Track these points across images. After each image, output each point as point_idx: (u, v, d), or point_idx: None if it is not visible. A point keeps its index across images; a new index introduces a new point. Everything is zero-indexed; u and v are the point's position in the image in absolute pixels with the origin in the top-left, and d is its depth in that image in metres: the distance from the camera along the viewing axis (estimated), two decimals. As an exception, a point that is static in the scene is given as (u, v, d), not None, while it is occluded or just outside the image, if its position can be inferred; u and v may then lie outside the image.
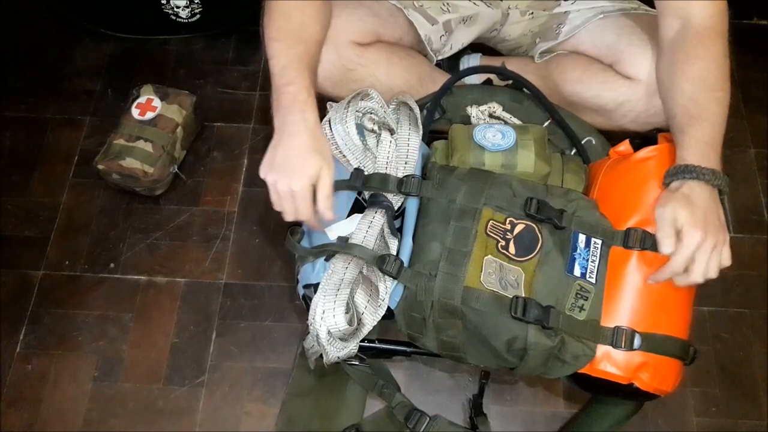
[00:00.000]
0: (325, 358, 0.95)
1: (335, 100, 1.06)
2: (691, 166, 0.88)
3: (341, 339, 0.93)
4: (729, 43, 0.95)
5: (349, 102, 1.00)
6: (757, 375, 1.17)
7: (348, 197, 1.00)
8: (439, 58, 1.25)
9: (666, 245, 0.87)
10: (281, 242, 1.29)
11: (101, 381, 1.18)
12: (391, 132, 1.00)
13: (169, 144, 1.31)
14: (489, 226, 0.93)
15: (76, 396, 1.17)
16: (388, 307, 0.94)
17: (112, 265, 1.29)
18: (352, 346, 0.94)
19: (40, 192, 1.38)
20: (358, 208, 1.00)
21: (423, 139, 1.04)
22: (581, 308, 0.89)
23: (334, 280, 0.92)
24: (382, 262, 0.91)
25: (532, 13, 1.19)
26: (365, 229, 0.95)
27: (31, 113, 1.47)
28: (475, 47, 1.33)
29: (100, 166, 1.30)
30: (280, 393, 1.16)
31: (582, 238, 0.92)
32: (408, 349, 1.06)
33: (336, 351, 0.93)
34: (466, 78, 1.21)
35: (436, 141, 1.06)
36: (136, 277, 1.28)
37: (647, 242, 0.90)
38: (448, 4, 1.17)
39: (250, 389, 1.17)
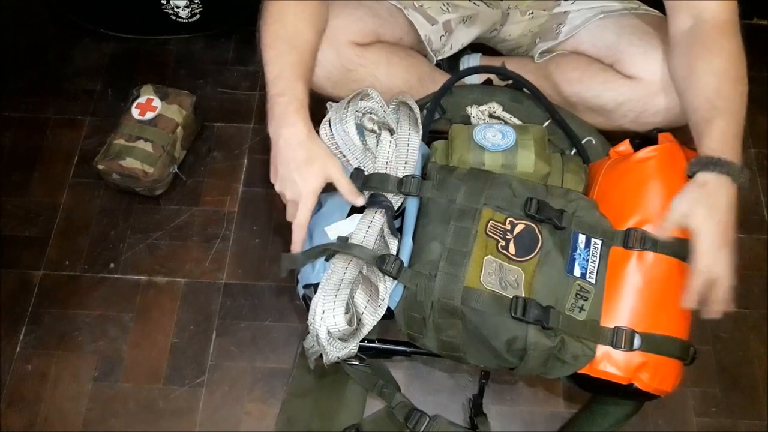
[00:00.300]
0: (325, 358, 0.95)
1: (335, 100, 1.06)
2: (722, 160, 0.87)
3: (341, 339, 0.93)
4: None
5: (349, 102, 1.00)
6: (757, 375, 1.17)
7: (348, 197, 1.00)
8: (439, 58, 1.25)
9: (662, 231, 0.89)
10: (281, 242, 1.30)
11: (101, 381, 1.18)
12: (391, 132, 1.00)
13: (169, 144, 1.31)
14: (489, 226, 0.93)
15: (76, 396, 1.17)
16: (388, 307, 0.94)
17: (112, 265, 1.29)
18: (352, 346, 0.94)
19: (40, 192, 1.38)
20: (358, 208, 1.00)
21: (423, 139, 1.04)
22: (581, 308, 0.89)
23: (333, 280, 0.92)
24: (382, 262, 0.91)
25: (532, 13, 1.19)
26: (365, 229, 0.95)
27: (31, 113, 1.47)
28: (475, 47, 1.33)
29: (100, 166, 1.30)
30: (280, 393, 1.16)
31: (582, 238, 0.92)
32: (408, 349, 1.06)
33: (336, 351, 0.93)
34: (466, 78, 1.21)
35: (436, 141, 1.06)
36: (136, 277, 1.28)
37: (647, 242, 0.90)
38: (448, 4, 1.17)
39: (250, 389, 1.17)
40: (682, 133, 0.98)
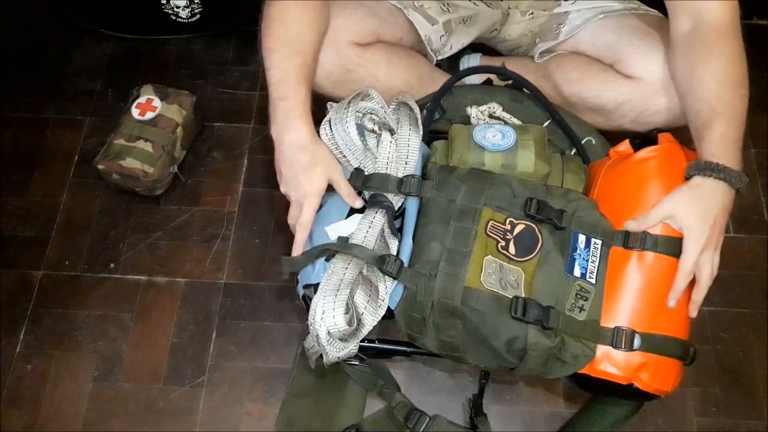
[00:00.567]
0: (325, 358, 0.95)
1: (335, 100, 1.06)
2: (719, 166, 0.88)
3: (341, 339, 0.93)
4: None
5: (349, 102, 1.00)
6: (757, 375, 1.17)
7: (348, 197, 1.00)
8: (439, 58, 1.25)
9: (636, 225, 0.90)
10: (281, 242, 1.30)
11: (101, 381, 1.18)
12: (392, 132, 1.00)
13: (169, 144, 1.31)
14: (489, 226, 0.93)
15: (76, 396, 1.17)
16: (388, 308, 0.94)
17: (112, 265, 1.29)
18: (352, 347, 0.94)
19: (40, 192, 1.38)
20: (357, 208, 1.00)
21: (423, 139, 1.04)
22: (581, 308, 0.89)
23: (333, 280, 0.92)
24: (382, 262, 0.91)
25: (532, 13, 1.19)
26: (365, 229, 0.95)
27: (31, 113, 1.47)
28: (475, 47, 1.33)
29: (100, 166, 1.30)
30: (280, 393, 1.16)
31: (582, 238, 0.92)
32: (408, 349, 1.06)
33: (336, 351, 0.93)
34: (466, 78, 1.21)
35: (436, 141, 1.06)
36: (136, 277, 1.28)
37: (647, 242, 0.90)
38: (448, 4, 1.17)
39: (250, 389, 1.17)
40: (683, 133, 0.99)
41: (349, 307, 0.93)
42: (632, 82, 1.07)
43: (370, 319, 0.92)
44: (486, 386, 1.12)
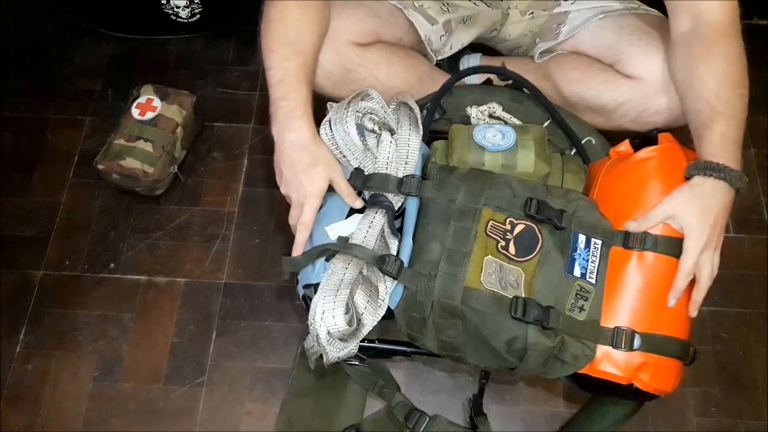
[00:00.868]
0: (325, 359, 0.95)
1: (335, 100, 1.06)
2: (720, 165, 0.88)
3: (341, 339, 0.93)
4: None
5: (349, 102, 1.00)
6: (757, 375, 1.17)
7: (348, 197, 1.00)
8: (439, 58, 1.24)
9: (636, 225, 0.90)
10: (281, 242, 1.30)
11: (101, 381, 1.18)
12: (392, 132, 1.00)
13: (169, 144, 1.31)
14: (489, 226, 0.93)
15: (76, 396, 1.17)
16: (388, 308, 0.94)
17: (112, 265, 1.29)
18: (352, 347, 0.94)
19: (40, 192, 1.38)
20: (357, 208, 1.00)
21: (423, 139, 1.04)
22: (581, 308, 0.89)
23: (333, 280, 0.92)
24: (382, 262, 0.91)
25: (532, 13, 1.19)
26: (365, 229, 0.95)
27: (31, 113, 1.47)
28: (475, 47, 1.33)
29: (100, 166, 1.30)
30: (280, 393, 1.16)
31: (582, 238, 0.92)
32: (408, 349, 1.06)
33: (336, 351, 0.93)
34: (466, 78, 1.21)
35: (436, 141, 1.06)
36: (136, 277, 1.28)
37: (647, 242, 0.90)
38: (448, 4, 1.17)
39: (250, 389, 1.17)
40: (683, 133, 0.99)
41: (349, 307, 0.92)
42: (632, 82, 1.07)
43: (370, 319, 0.92)
44: (486, 386, 1.12)
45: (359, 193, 1.00)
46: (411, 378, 1.17)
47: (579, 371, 0.90)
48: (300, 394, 1.14)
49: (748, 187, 0.91)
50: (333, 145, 0.99)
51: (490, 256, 0.91)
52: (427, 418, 1.06)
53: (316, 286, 0.93)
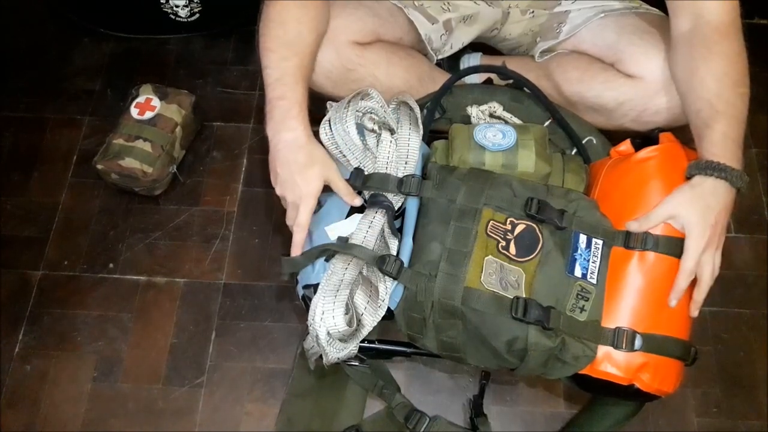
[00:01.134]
0: (324, 359, 0.95)
1: (335, 99, 1.06)
2: (721, 165, 0.88)
3: (341, 340, 0.93)
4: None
5: (349, 102, 1.00)
6: (757, 375, 1.17)
7: (348, 197, 1.00)
8: (439, 57, 1.24)
9: (637, 225, 0.90)
10: (281, 242, 1.30)
11: (101, 381, 1.18)
12: (392, 132, 1.00)
13: (169, 144, 1.31)
14: (489, 226, 0.92)
15: (76, 396, 1.16)
16: (388, 308, 0.94)
17: (111, 265, 1.29)
18: (352, 347, 0.94)
19: (40, 192, 1.37)
20: (358, 208, 1.00)
21: (423, 139, 1.04)
22: (582, 309, 0.89)
23: (333, 280, 0.92)
24: (382, 262, 0.91)
25: (532, 12, 1.19)
26: (365, 229, 0.95)
27: (31, 113, 1.47)
28: (475, 47, 1.33)
29: (100, 166, 1.29)
30: (280, 393, 1.16)
31: (583, 238, 0.92)
32: (408, 350, 1.06)
33: (336, 352, 0.93)
34: (466, 77, 1.21)
35: (436, 141, 1.06)
36: (135, 277, 1.28)
37: (648, 242, 0.90)
38: (448, 3, 1.16)
39: (250, 389, 1.17)
40: (683, 133, 0.98)
41: (349, 308, 0.92)
42: (633, 81, 1.07)
43: (370, 320, 0.92)
44: (486, 387, 1.12)
45: (359, 193, 1.00)
46: (411, 378, 1.17)
47: (580, 372, 0.90)
48: (300, 394, 1.13)
49: (748, 187, 0.91)
50: (333, 145, 0.99)
51: (490, 256, 0.90)
52: (428, 419, 1.06)
53: (315, 287, 0.93)
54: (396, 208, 0.98)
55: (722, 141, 0.90)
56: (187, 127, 1.36)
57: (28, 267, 1.29)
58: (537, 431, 1.13)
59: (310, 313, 0.91)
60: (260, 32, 0.99)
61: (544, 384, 1.15)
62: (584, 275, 0.90)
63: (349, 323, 0.92)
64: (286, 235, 1.00)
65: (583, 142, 1.10)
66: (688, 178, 0.91)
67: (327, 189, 0.98)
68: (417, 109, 1.03)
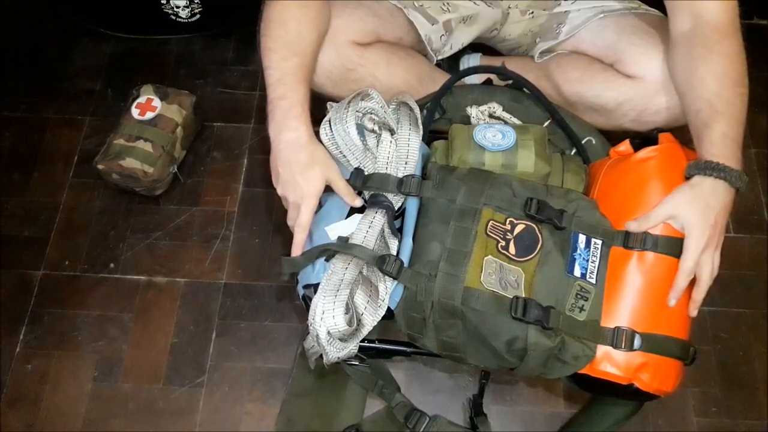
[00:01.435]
0: (325, 359, 0.95)
1: (335, 100, 1.06)
2: (720, 165, 0.88)
3: (341, 339, 0.93)
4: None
5: (349, 102, 1.00)
6: (757, 375, 1.17)
7: (348, 197, 1.00)
8: (439, 58, 1.25)
9: (637, 225, 0.90)
10: (281, 242, 1.30)
11: (101, 381, 1.18)
12: (392, 132, 1.00)
13: (169, 144, 1.31)
14: (489, 226, 0.93)
15: (76, 396, 1.17)
16: (388, 308, 0.94)
17: (112, 265, 1.29)
18: (352, 347, 0.94)
19: (40, 192, 1.38)
20: (358, 208, 1.00)
21: (423, 139, 1.04)
22: (581, 309, 0.89)
23: (333, 280, 0.92)
24: (382, 262, 0.91)
25: (532, 12, 1.19)
26: (365, 229, 0.95)
27: (31, 113, 1.47)
28: (475, 47, 1.33)
29: (100, 166, 1.30)
30: (280, 393, 1.16)
31: (582, 238, 0.92)
32: (408, 350, 1.06)
33: (336, 351, 0.93)
34: (466, 78, 1.21)
35: (436, 141, 1.06)
36: (135, 277, 1.28)
37: (648, 242, 0.90)
38: (448, 3, 1.17)
39: (250, 389, 1.17)
40: (683, 133, 0.98)
41: (349, 308, 0.92)
42: (633, 81, 1.07)
43: (370, 320, 0.92)
44: (486, 386, 1.12)
45: (359, 193, 1.00)
46: (411, 378, 1.17)
47: (579, 371, 0.90)
48: (300, 394, 1.13)
49: (748, 187, 0.92)
50: (333, 145, 0.99)
51: (490, 256, 0.91)
52: (427, 419, 1.06)
53: (316, 286, 0.93)
54: (396, 208, 0.99)
55: (722, 141, 0.90)
56: (187, 128, 1.36)
57: (28, 267, 1.29)
58: (537, 431, 1.13)
59: (311, 312, 0.91)
60: (261, 32, 0.99)
61: (544, 384, 1.16)
62: (583, 275, 0.91)
63: (349, 323, 0.92)
64: (287, 236, 1.00)
65: (583, 142, 1.10)
66: (688, 178, 0.91)
67: (327, 189, 0.98)
68: (417, 110, 1.03)
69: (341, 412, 1.11)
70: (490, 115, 1.12)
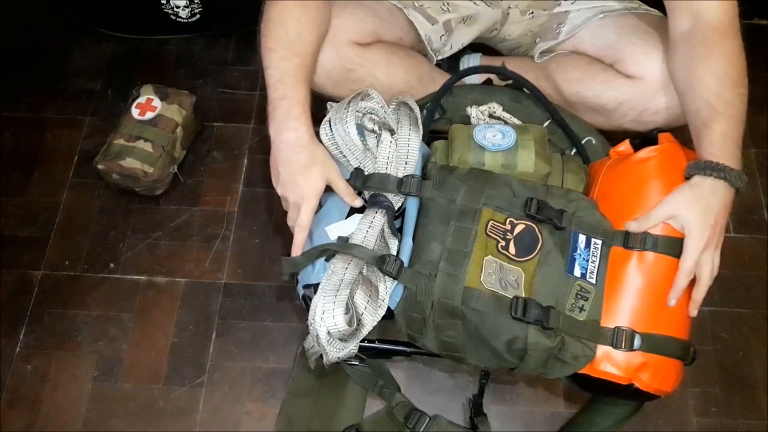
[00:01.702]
0: (325, 359, 0.95)
1: (335, 100, 1.06)
2: (719, 165, 0.88)
3: (341, 339, 0.93)
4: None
5: (349, 102, 1.00)
6: (757, 375, 1.17)
7: (348, 197, 1.00)
8: (439, 58, 1.25)
9: (637, 225, 0.90)
10: (281, 242, 1.30)
11: (101, 381, 1.18)
12: (392, 132, 1.00)
13: (169, 144, 1.31)
14: (489, 226, 0.93)
15: (76, 396, 1.17)
16: (388, 308, 0.94)
17: (112, 265, 1.29)
18: (352, 347, 0.94)
19: (40, 192, 1.38)
20: (358, 208, 1.00)
21: (423, 139, 1.04)
22: (581, 309, 0.89)
23: (333, 280, 0.92)
24: (382, 262, 0.91)
25: (532, 12, 1.19)
26: (365, 229, 0.95)
27: (31, 113, 1.47)
28: (475, 47, 1.33)
29: (100, 166, 1.30)
30: (280, 393, 1.16)
31: (582, 238, 0.92)
32: (408, 349, 1.06)
33: (336, 351, 0.93)
34: (466, 78, 1.21)
35: (436, 141, 1.06)
36: (136, 277, 1.28)
37: (648, 242, 0.90)
38: (448, 3, 1.17)
39: (250, 389, 1.17)
40: (683, 133, 0.99)
41: (349, 307, 0.92)
42: (632, 81, 1.07)
43: (370, 320, 0.92)
44: (486, 386, 1.12)
45: (359, 193, 1.00)
46: (411, 378, 1.17)
47: (579, 371, 0.90)
48: (300, 394, 1.13)
49: (748, 187, 0.92)
50: (333, 145, 0.99)
51: (490, 256, 0.91)
52: (427, 418, 1.06)
53: (316, 286, 0.93)
54: (396, 208, 0.99)
55: (721, 141, 0.90)
56: (187, 128, 1.36)
57: (28, 267, 1.29)
58: (537, 431, 1.13)
59: (311, 312, 0.91)
60: (261, 32, 0.99)
61: (544, 384, 1.16)
62: (583, 275, 0.91)
63: (349, 323, 0.92)
64: (287, 236, 1.00)
65: (583, 142, 1.10)
66: (687, 178, 0.91)
67: (327, 189, 0.98)
68: (417, 110, 1.04)
69: (341, 412, 1.11)
70: (490, 115, 1.12)
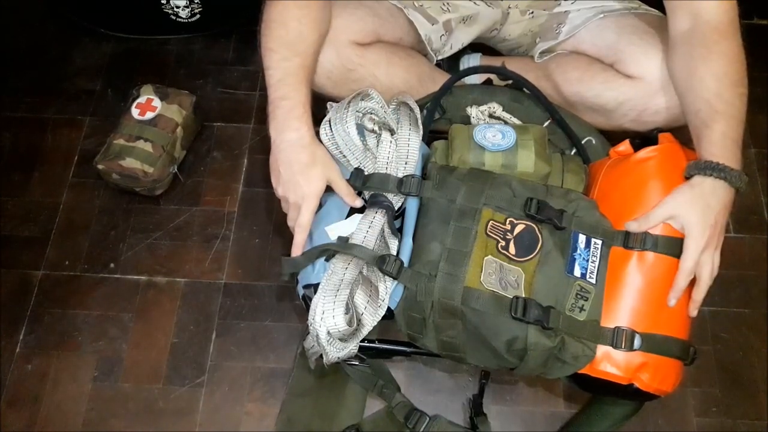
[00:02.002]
0: (325, 359, 0.95)
1: (335, 100, 1.06)
2: (719, 165, 0.88)
3: (341, 339, 0.93)
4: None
5: (349, 102, 1.00)
6: (757, 375, 1.17)
7: (348, 197, 1.00)
8: (439, 58, 1.25)
9: (637, 225, 0.90)
10: (281, 242, 1.30)
11: (101, 381, 1.18)
12: (392, 132, 1.00)
13: (169, 144, 1.31)
14: (489, 226, 0.93)
15: (76, 396, 1.17)
16: (388, 308, 0.94)
17: (112, 265, 1.29)
18: (352, 347, 0.94)
19: (40, 192, 1.38)
20: (358, 208, 1.00)
21: (423, 139, 1.04)
22: (581, 309, 0.89)
23: (333, 280, 0.92)
24: (382, 262, 0.91)
25: (532, 12, 1.19)
26: (365, 229, 0.95)
27: (31, 113, 1.47)
28: (475, 47, 1.33)
29: (100, 166, 1.30)
30: (280, 393, 1.16)
31: (582, 238, 0.92)
32: (408, 349, 1.06)
33: (336, 351, 0.93)
34: (466, 78, 1.21)
35: (436, 141, 1.06)
36: (136, 277, 1.28)
37: (648, 242, 0.90)
38: (448, 3, 1.17)
39: (250, 389, 1.17)
40: (683, 133, 0.99)
41: (349, 308, 0.92)
42: (633, 81, 1.07)
43: (370, 320, 0.92)
44: (486, 386, 1.12)
45: (359, 193, 1.00)
46: (411, 378, 1.17)
47: (579, 371, 0.90)
48: (300, 394, 1.13)
49: (748, 187, 0.92)
50: (333, 145, 0.99)
51: (490, 256, 0.91)
52: (427, 418, 1.06)
53: (316, 286, 0.93)
54: (396, 208, 0.99)
55: (721, 141, 0.90)
56: (187, 128, 1.36)
57: (28, 267, 1.29)
58: (537, 431, 1.13)
59: (311, 312, 0.91)
60: (261, 33, 0.99)
61: (544, 384, 1.16)
62: (583, 275, 0.91)
63: (350, 323, 0.92)
64: (287, 236, 1.00)
65: (583, 142, 1.10)
66: (687, 178, 0.91)
67: (327, 189, 0.98)
68: (417, 110, 1.04)
69: (341, 412, 1.11)
70: (490, 115, 1.12)
